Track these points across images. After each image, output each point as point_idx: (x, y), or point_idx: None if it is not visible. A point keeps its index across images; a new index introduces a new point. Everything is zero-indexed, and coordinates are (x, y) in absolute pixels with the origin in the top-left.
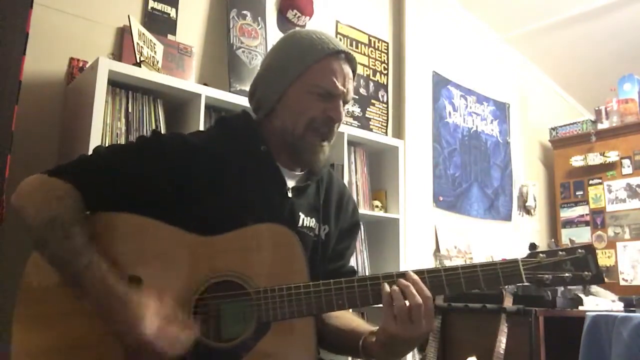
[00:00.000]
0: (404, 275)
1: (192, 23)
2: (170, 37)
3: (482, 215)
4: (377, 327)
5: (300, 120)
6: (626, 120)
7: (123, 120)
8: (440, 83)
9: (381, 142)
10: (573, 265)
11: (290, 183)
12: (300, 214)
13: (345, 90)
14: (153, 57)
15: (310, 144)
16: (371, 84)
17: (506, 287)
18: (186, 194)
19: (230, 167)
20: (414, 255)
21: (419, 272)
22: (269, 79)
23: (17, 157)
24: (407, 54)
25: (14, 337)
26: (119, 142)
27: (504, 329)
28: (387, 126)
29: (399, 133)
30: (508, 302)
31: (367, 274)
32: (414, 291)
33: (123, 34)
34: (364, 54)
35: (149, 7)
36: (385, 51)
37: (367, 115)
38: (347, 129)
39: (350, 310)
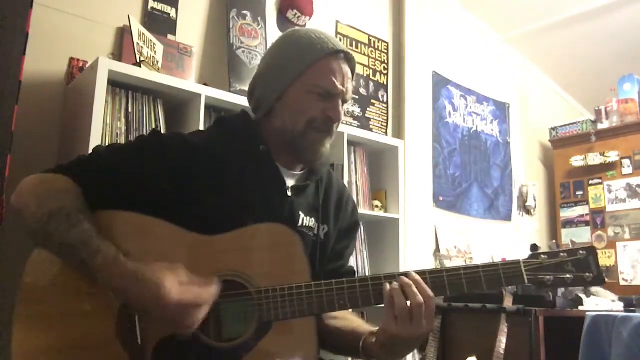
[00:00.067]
0: (406, 275)
1: (192, 23)
2: (170, 37)
3: (482, 215)
4: (378, 328)
5: (299, 120)
6: (626, 120)
7: (123, 120)
8: (440, 83)
9: (381, 142)
10: (574, 267)
11: (290, 182)
12: (300, 213)
13: (344, 90)
14: (153, 57)
15: (310, 141)
16: (371, 84)
17: (506, 287)
18: (186, 193)
19: (230, 167)
20: (414, 255)
21: (420, 273)
22: (268, 79)
23: (17, 157)
24: (407, 54)
25: (14, 337)
26: (119, 142)
27: (504, 329)
28: (387, 126)
29: (399, 133)
30: (508, 302)
31: (367, 274)
32: (415, 290)
33: (123, 34)
34: (364, 54)
35: (149, 7)
36: (385, 51)
37: (367, 115)
38: (347, 129)
39: (350, 310)
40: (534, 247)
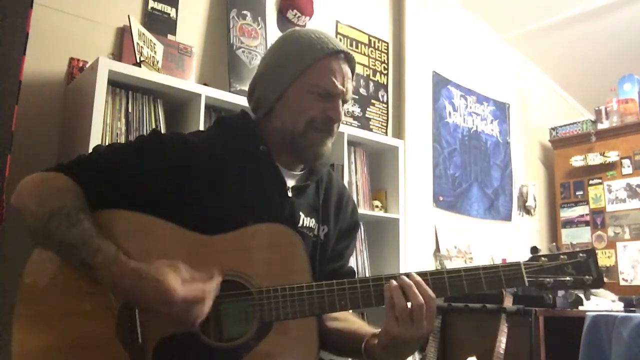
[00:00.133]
0: (407, 276)
1: (192, 23)
2: (170, 37)
3: (482, 215)
4: (379, 329)
5: (299, 120)
6: (626, 120)
7: (123, 120)
8: (440, 83)
9: (381, 142)
10: (574, 269)
11: (290, 183)
12: (301, 214)
13: (344, 90)
14: (153, 57)
15: (311, 140)
16: (371, 84)
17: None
18: (186, 193)
19: (230, 167)
20: (414, 255)
21: (421, 274)
22: (268, 79)
23: (17, 157)
24: (407, 54)
25: (14, 337)
26: (119, 142)
27: (504, 329)
28: (387, 126)
29: (399, 133)
30: (508, 302)
31: (367, 274)
32: (416, 291)
33: (123, 34)
34: (364, 54)
35: (149, 7)
36: (385, 51)
37: (367, 115)
38: (347, 129)
39: (351, 312)
40: (534, 250)
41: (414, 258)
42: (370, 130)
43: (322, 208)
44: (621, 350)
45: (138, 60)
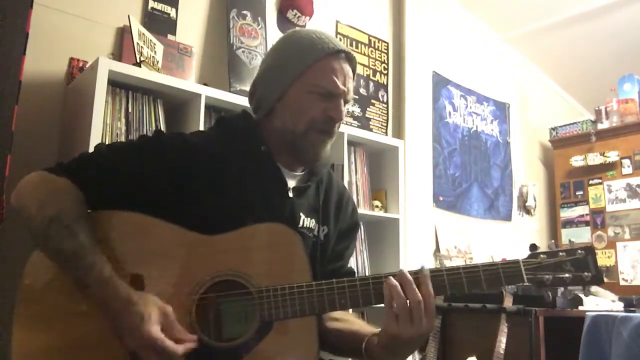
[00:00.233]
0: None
1: (192, 23)
2: (170, 37)
3: (482, 215)
4: (380, 329)
5: (301, 120)
6: (626, 120)
7: (123, 120)
8: (440, 83)
9: (381, 142)
10: (573, 266)
11: (291, 183)
12: (301, 214)
13: (345, 90)
14: (153, 57)
15: (311, 141)
16: (371, 84)
17: (506, 287)
18: (186, 193)
19: (231, 167)
20: (414, 255)
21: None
22: (269, 79)
23: (17, 157)
24: (407, 54)
25: (14, 337)
26: (119, 141)
27: (504, 329)
28: (387, 126)
29: (399, 133)
30: (508, 302)
31: (367, 274)
32: (414, 288)
33: (123, 34)
34: (364, 54)
35: (149, 7)
36: (385, 51)
37: (367, 115)
38: (347, 129)
39: (351, 312)
40: (533, 247)
41: (414, 258)
42: (370, 130)
43: (322, 209)
44: (621, 350)
45: (138, 60)
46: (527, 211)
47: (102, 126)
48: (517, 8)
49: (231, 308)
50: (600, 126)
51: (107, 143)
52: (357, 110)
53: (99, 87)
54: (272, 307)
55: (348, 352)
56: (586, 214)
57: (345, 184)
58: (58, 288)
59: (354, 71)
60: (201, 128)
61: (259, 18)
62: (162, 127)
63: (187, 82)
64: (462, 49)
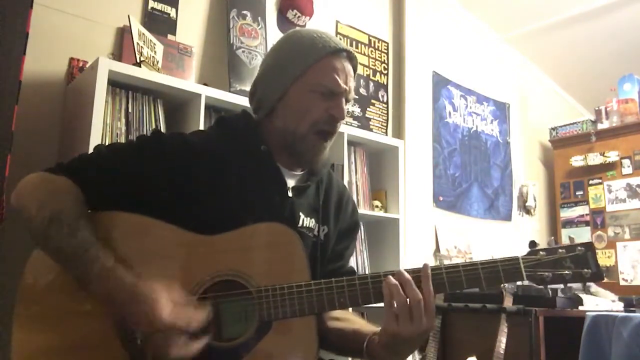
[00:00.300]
0: (406, 272)
1: (192, 23)
2: (170, 37)
3: (482, 215)
4: (380, 328)
5: (302, 121)
6: (626, 120)
7: (123, 120)
8: (440, 83)
9: (381, 142)
10: (573, 263)
11: (291, 183)
12: (301, 214)
13: (347, 89)
14: (153, 57)
15: (311, 144)
16: (371, 84)
17: (506, 286)
18: (186, 193)
19: (231, 167)
20: (414, 255)
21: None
22: (270, 79)
23: (17, 157)
24: (407, 54)
25: (14, 337)
26: (119, 142)
27: (504, 329)
28: (387, 126)
29: (399, 133)
30: (508, 302)
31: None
32: (414, 286)
33: (123, 34)
34: (364, 54)
35: (149, 7)
36: (385, 51)
37: (367, 115)
38: (347, 129)
39: (351, 311)
40: (533, 244)
41: (414, 258)
42: (370, 130)
43: (322, 208)
44: (621, 350)
45: (138, 60)
46: (527, 211)
47: (102, 126)
48: (517, 8)
49: (231, 308)
50: (600, 126)
51: (107, 144)
52: (357, 110)
53: (99, 87)
54: (272, 307)
55: (349, 352)
56: (586, 214)
57: (345, 184)
58: (58, 288)
59: (355, 70)
60: (201, 128)
61: (259, 18)
62: (162, 127)
63: (187, 82)
64: (462, 49)
